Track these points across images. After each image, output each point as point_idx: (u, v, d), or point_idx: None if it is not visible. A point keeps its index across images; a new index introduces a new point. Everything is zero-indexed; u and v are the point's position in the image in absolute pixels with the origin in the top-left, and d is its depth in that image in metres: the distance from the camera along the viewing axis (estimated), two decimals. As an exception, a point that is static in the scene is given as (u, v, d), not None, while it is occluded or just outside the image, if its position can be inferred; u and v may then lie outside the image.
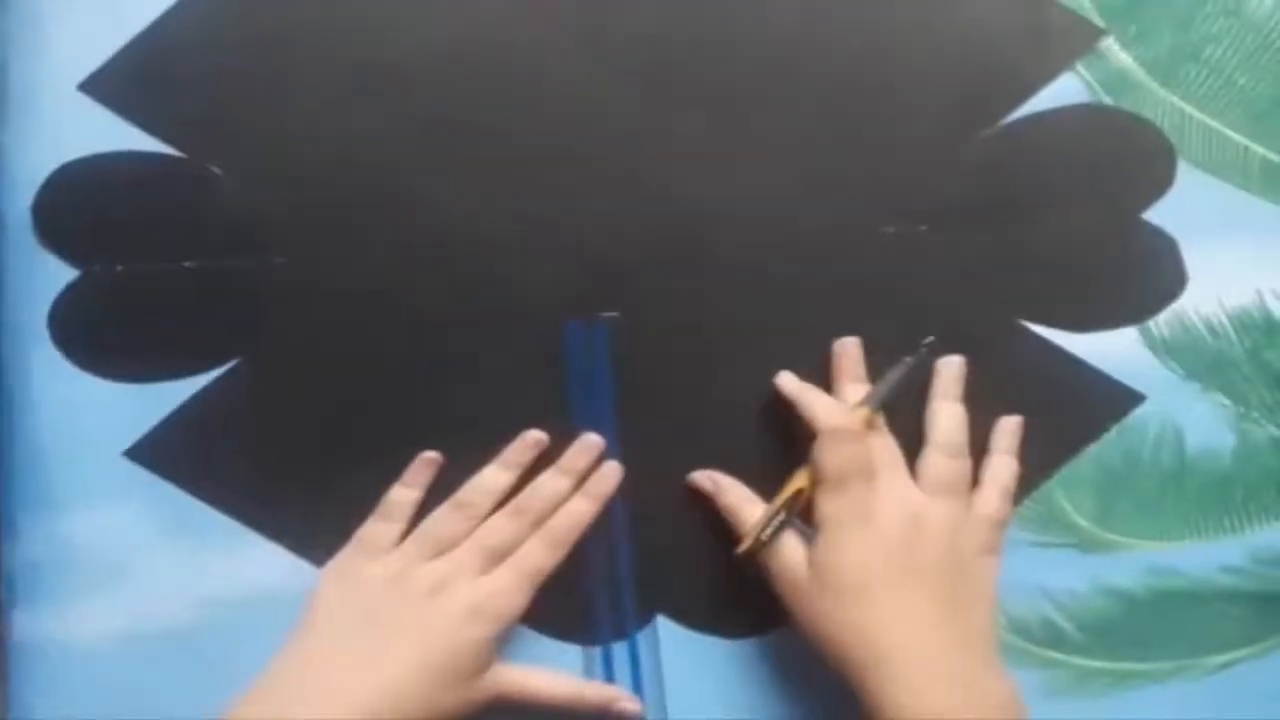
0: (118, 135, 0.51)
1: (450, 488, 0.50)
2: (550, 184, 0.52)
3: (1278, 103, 0.54)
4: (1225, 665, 0.52)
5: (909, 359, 0.51)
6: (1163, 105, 0.54)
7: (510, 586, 0.48)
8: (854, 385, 0.51)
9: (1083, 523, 0.53)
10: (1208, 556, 0.53)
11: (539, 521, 0.50)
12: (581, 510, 0.50)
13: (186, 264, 0.51)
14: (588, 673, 0.51)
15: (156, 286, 0.51)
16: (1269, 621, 0.53)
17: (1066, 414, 0.53)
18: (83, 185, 0.51)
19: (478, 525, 0.50)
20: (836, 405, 0.50)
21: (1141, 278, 0.53)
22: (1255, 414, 0.53)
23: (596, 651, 0.51)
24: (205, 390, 0.51)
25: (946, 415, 0.51)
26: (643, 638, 0.51)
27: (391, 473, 0.51)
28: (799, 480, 0.48)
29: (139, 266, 0.51)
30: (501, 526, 0.50)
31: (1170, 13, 0.54)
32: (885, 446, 0.49)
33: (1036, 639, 0.52)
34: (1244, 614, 0.53)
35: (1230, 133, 0.54)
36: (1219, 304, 0.53)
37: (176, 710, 0.49)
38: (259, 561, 0.51)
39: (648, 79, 0.53)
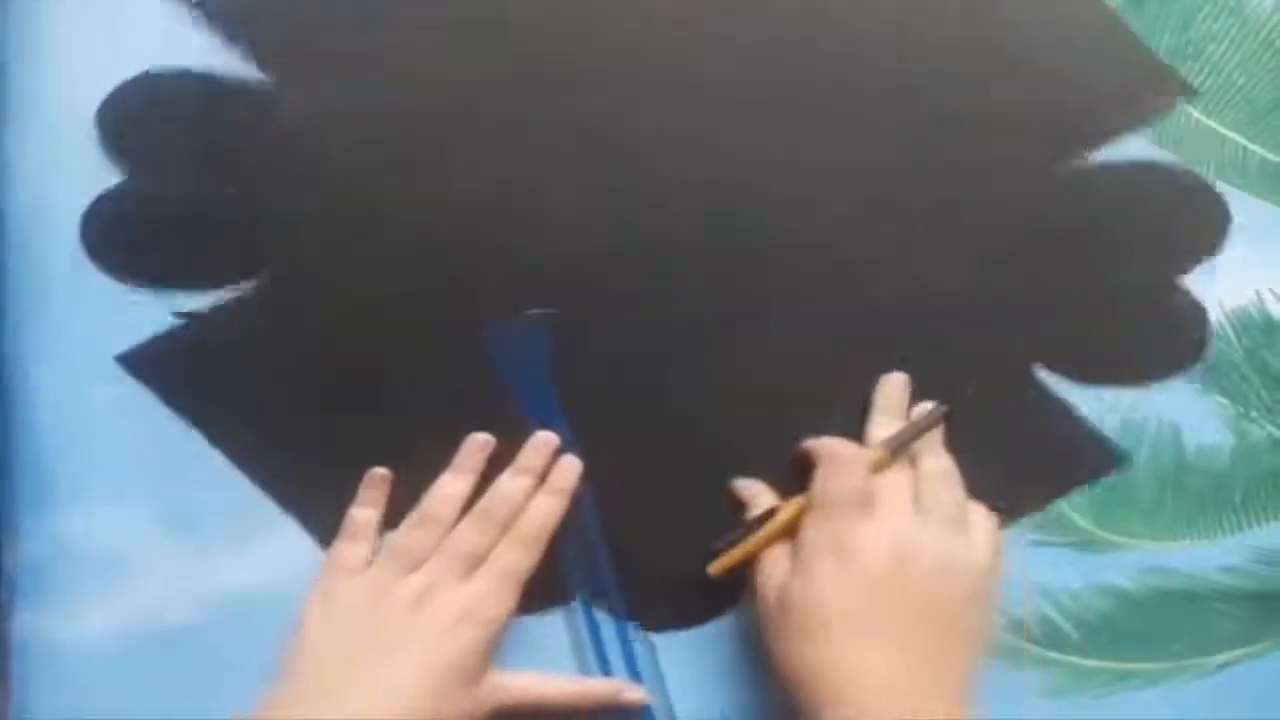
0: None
1: (421, 489, 0.50)
2: (518, 179, 0.52)
3: (1277, 103, 0.54)
4: (1224, 665, 0.53)
5: (944, 407, 0.50)
6: (1162, 105, 0.54)
7: (493, 588, 0.48)
8: (886, 419, 0.50)
9: (1081, 522, 0.53)
10: (1206, 556, 0.53)
11: (506, 524, 0.49)
12: (548, 507, 0.50)
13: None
14: (576, 648, 0.51)
15: (193, 206, 0.51)
16: (1268, 621, 0.53)
17: (1051, 462, 0.53)
18: (148, 96, 0.50)
19: (446, 534, 0.49)
20: (845, 442, 0.49)
21: (1163, 342, 0.53)
22: (1254, 414, 0.53)
23: (581, 622, 0.51)
24: (211, 311, 0.50)
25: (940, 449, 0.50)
26: (634, 630, 0.51)
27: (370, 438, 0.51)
28: (792, 505, 0.48)
29: (184, 186, 0.51)
30: (470, 533, 0.49)
31: (1170, 12, 0.54)
32: (894, 484, 0.48)
33: (1036, 639, 0.52)
34: (1243, 614, 0.53)
35: (1229, 133, 0.54)
36: (1218, 304, 0.53)
37: (177, 710, 0.49)
38: (259, 561, 0.51)
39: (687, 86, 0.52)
